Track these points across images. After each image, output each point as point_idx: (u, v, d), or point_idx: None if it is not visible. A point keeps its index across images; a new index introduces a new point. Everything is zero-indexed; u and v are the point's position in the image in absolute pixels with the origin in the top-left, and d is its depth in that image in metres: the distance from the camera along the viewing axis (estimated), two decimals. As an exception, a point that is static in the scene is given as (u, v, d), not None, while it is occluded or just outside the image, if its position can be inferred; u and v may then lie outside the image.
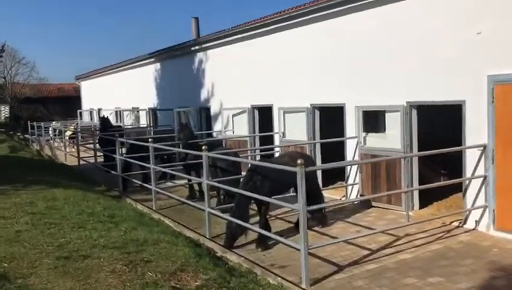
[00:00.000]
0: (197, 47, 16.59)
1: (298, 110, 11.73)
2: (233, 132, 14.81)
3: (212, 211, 8.31)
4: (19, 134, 34.15)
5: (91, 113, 31.20)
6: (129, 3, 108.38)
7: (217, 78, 15.81)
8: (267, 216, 8.09)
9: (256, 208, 7.97)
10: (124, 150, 14.09)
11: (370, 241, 7.40)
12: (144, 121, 22.57)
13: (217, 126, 15.87)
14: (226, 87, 15.25)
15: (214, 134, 15.96)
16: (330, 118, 12.03)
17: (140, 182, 12.44)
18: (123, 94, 25.10)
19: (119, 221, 7.69)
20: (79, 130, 24.52)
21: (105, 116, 19.71)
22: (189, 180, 11.49)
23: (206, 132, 16.18)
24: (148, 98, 21.48)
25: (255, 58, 13.55)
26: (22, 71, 49.70)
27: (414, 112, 9.01)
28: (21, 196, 9.55)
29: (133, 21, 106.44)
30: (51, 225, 7.04)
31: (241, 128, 14.44)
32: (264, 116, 14.01)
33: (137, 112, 23.64)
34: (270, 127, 13.52)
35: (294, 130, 12.04)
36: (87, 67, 53.05)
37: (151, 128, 21.16)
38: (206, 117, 17.17)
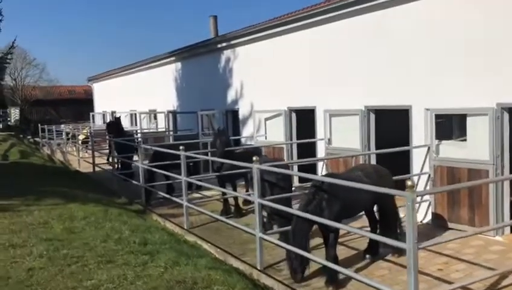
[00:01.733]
0: (224, 44, 15.11)
1: (349, 113, 10.20)
2: (265, 138, 13.31)
3: (265, 237, 6.80)
4: (29, 137, 33.00)
5: (104, 116, 29.87)
6: (136, 4, 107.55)
7: (246, 77, 14.33)
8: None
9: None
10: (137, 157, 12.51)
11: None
12: (162, 125, 21.14)
13: (246, 131, 14.38)
14: (257, 88, 13.76)
15: (243, 140, 14.47)
16: (387, 123, 10.48)
17: (165, 194, 10.96)
18: (139, 96, 23.70)
19: (154, 251, 6.20)
20: (93, 134, 23.20)
21: (117, 117, 18.07)
22: (224, 193, 10.01)
23: (233, 137, 14.65)
24: (167, 100, 20.05)
25: (294, 54, 12.05)
26: (32, 73, 48.81)
27: (506, 116, 7.44)
28: (33, 214, 8.12)
29: (141, 21, 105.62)
30: (72, 258, 5.57)
31: (275, 133, 12.93)
32: (302, 120, 12.50)
33: (155, 115, 22.23)
34: (309, 133, 12.02)
35: (342, 136, 10.51)
36: (99, 69, 52.04)
37: (170, 132, 19.76)
38: (233, 121, 15.68)
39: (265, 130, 13.36)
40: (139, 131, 21.26)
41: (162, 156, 11.54)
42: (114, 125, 16.37)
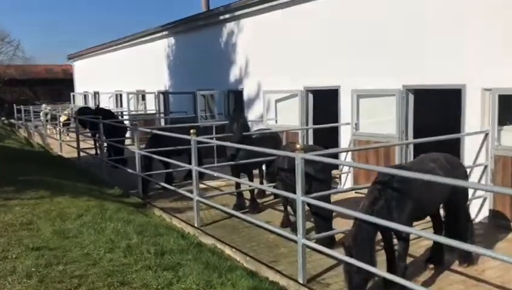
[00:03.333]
0: (227, 15, 13.52)
1: (383, 94, 8.87)
2: (276, 122, 11.90)
3: (309, 243, 5.46)
4: (3, 118, 30.78)
5: (85, 96, 27.90)
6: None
7: (253, 53, 12.83)
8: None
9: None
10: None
11: None
12: (151, 107, 19.47)
13: (252, 114, 12.91)
14: (267, 65, 12.28)
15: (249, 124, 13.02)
16: (424, 104, 9.21)
17: (168, 185, 9.52)
18: (125, 75, 21.89)
19: (174, 263, 4.81)
20: (74, 116, 21.37)
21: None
22: (238, 185, 8.63)
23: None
24: (158, 80, 18.36)
25: (313, 25, 10.60)
26: (5, 50, 45.83)
27: None
28: (13, 210, 6.59)
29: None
30: (72, 279, 4.12)
31: (287, 116, 11.54)
32: (317, 101, 11.17)
33: (143, 96, 20.52)
34: (327, 116, 10.71)
35: (374, 121, 9.21)
36: (78, 48, 49.35)
37: (161, 114, 18.15)
38: (235, 102, 14.20)
39: (275, 112, 11.95)
40: (126, 113, 19.60)
41: (160, 141, 10.08)
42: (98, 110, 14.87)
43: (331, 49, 10.12)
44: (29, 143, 19.45)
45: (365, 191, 5.40)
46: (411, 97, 8.56)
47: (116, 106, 22.49)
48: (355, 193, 8.51)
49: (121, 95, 22.80)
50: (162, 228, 6.76)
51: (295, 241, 5.54)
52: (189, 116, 14.57)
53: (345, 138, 9.85)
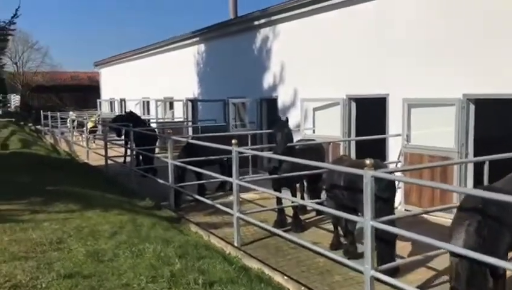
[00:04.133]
0: (262, 20, 12.95)
1: (440, 103, 8.10)
2: (313, 131, 11.21)
3: (379, 275, 4.70)
4: (30, 125, 30.84)
5: (111, 103, 27.72)
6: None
7: (290, 59, 12.20)
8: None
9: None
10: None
11: None
12: (179, 114, 18.99)
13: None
14: (304, 71, 11.62)
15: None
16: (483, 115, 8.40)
17: (203, 198, 8.91)
18: (153, 82, 21.53)
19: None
20: (101, 122, 21.08)
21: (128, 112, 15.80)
22: (280, 200, 7.94)
23: (267, 131, 12.44)
24: (187, 87, 17.89)
25: (358, 28, 9.92)
26: (34, 57, 46.42)
27: None
28: (41, 226, 6.05)
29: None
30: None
31: (326, 126, 10.84)
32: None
33: (171, 103, 20.08)
34: (367, 126, 9.98)
35: (427, 132, 8.42)
36: (105, 55, 49.72)
37: (189, 123, 17.63)
38: (268, 111, 13.56)
39: (313, 122, 11.26)
40: (153, 121, 19.17)
41: (195, 150, 9.50)
42: (129, 116, 14.30)
43: (378, 54, 9.40)
44: (56, 150, 19.17)
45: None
46: (472, 107, 7.77)
47: (143, 113, 22.13)
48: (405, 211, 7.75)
49: (148, 102, 22.45)
50: (201, 248, 6.13)
51: (359, 271, 4.82)
52: (219, 125, 13.99)
53: (394, 150, 9.09)
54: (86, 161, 15.97)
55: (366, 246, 4.65)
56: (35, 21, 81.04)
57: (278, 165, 7.70)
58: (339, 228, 6.85)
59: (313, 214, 8.82)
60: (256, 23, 13.18)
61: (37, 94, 44.46)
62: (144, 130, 12.26)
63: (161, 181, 9.92)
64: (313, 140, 8.99)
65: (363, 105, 10.39)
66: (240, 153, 7.22)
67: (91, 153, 16.08)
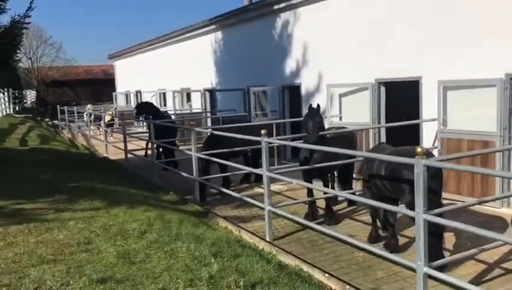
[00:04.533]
0: (282, 5, 12.46)
1: (479, 85, 7.60)
2: (340, 118, 10.78)
3: (432, 272, 4.32)
4: (47, 120, 30.89)
5: (127, 96, 27.53)
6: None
7: (312, 43, 11.74)
8: None
9: None
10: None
11: None
12: (197, 105, 18.67)
13: (312, 110, 11.79)
14: (329, 55, 11.15)
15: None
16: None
17: (230, 192, 8.58)
18: (168, 73, 21.21)
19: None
20: (118, 115, 20.89)
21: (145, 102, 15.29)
22: (311, 192, 7.57)
23: (291, 120, 12.04)
24: (204, 77, 17.53)
25: (388, 6, 9.42)
26: (48, 52, 46.46)
27: None
28: (68, 226, 5.79)
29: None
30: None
31: (354, 113, 10.40)
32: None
33: (188, 94, 19.75)
34: (396, 111, 9.52)
35: (466, 116, 7.94)
36: (117, 47, 49.57)
37: (208, 113, 17.30)
38: (290, 98, 13.14)
39: (339, 108, 10.83)
40: (171, 112, 18.87)
41: (220, 142, 9.16)
42: (146, 105, 13.92)
43: (410, 35, 8.90)
44: (74, 145, 19.06)
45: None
46: (516, 88, 7.27)
47: (160, 105, 21.86)
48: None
49: (164, 94, 22.17)
50: (235, 245, 5.81)
51: (406, 267, 4.45)
52: (240, 115, 13.62)
53: (429, 135, 8.63)
54: (105, 155, 15.79)
55: (419, 240, 4.26)
56: (48, 16, 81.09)
57: (308, 156, 7.33)
58: (377, 220, 6.47)
59: (344, 205, 8.45)
60: (276, 7, 12.71)
61: (52, 89, 44.60)
62: (165, 122, 11.96)
63: (185, 174, 9.63)
64: (344, 128, 8.55)
65: (390, 89, 9.91)
66: (256, 142, 6.86)
67: (110, 146, 15.90)
